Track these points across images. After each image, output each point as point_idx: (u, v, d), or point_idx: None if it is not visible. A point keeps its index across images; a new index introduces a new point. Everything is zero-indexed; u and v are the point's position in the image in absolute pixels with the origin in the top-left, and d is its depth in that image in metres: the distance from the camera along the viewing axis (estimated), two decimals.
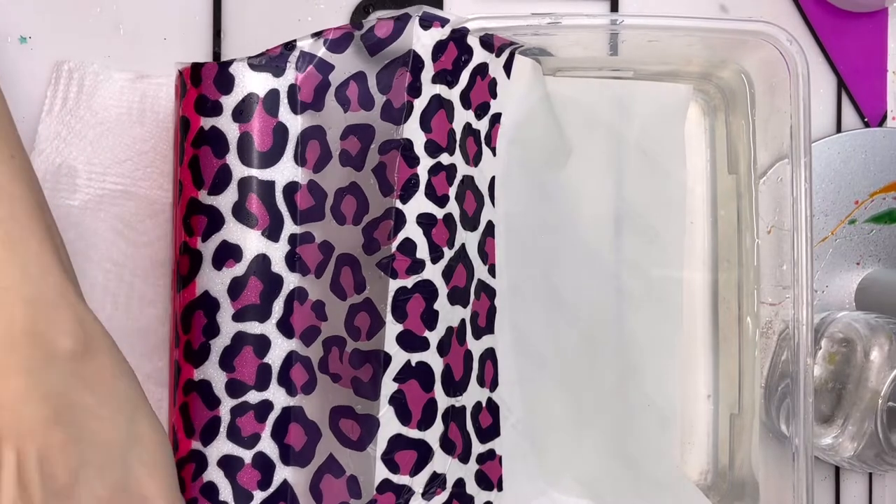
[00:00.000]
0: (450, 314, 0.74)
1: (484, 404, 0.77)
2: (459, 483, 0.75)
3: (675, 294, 0.87)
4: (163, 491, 0.64)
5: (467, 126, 0.76)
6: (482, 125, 0.77)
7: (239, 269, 0.73)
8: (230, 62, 0.72)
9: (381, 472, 0.72)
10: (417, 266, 0.72)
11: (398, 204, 0.72)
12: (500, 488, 0.78)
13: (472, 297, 0.76)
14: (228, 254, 0.72)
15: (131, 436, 0.62)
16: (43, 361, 0.58)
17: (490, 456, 0.78)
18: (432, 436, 0.73)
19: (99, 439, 0.60)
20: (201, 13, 0.84)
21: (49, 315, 0.60)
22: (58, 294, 0.60)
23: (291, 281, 0.74)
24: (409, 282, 0.72)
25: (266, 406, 0.73)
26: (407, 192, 0.72)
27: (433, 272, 0.73)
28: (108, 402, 0.61)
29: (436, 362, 0.73)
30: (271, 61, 0.73)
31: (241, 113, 0.72)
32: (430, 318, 0.73)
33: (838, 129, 0.89)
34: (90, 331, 0.62)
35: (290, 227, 0.74)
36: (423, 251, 0.72)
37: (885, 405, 0.80)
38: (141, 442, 0.63)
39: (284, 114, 0.73)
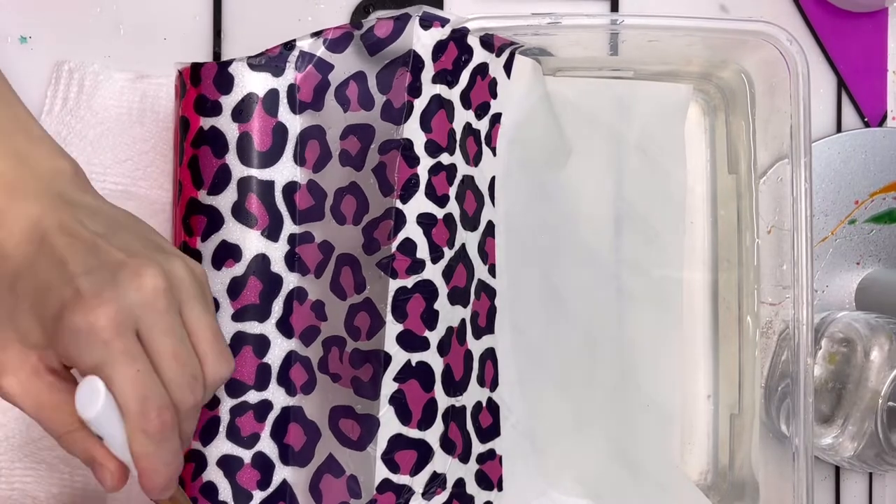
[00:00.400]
0: (450, 314, 0.74)
1: (484, 404, 0.77)
2: (459, 483, 0.75)
3: (675, 294, 0.87)
4: (177, 250, 0.65)
5: (467, 126, 0.76)
6: (482, 125, 0.77)
7: (238, 268, 0.73)
8: (229, 62, 0.72)
9: (382, 472, 0.72)
10: (417, 266, 0.72)
11: (398, 204, 0.72)
12: (500, 488, 0.78)
13: (473, 296, 0.76)
14: (228, 254, 0.72)
15: (137, 219, 0.65)
16: (48, 178, 0.62)
17: (490, 456, 0.78)
18: (432, 435, 0.73)
19: (116, 217, 0.63)
20: (201, 13, 0.84)
21: (41, 145, 0.64)
22: (44, 133, 0.65)
23: (291, 281, 0.74)
24: (410, 282, 0.72)
25: (265, 406, 0.73)
26: (407, 192, 0.72)
27: (433, 272, 0.73)
28: (108, 205, 0.64)
29: (436, 362, 0.73)
30: (271, 61, 0.73)
31: (241, 113, 0.72)
32: (431, 318, 0.73)
33: (838, 129, 0.89)
34: (73, 160, 0.65)
35: (289, 227, 0.74)
36: (423, 251, 0.72)
37: (885, 405, 0.80)
38: (147, 225, 0.65)
39: (284, 113, 0.73)
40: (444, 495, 0.74)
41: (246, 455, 0.73)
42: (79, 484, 0.83)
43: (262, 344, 0.73)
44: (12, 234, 0.59)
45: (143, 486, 0.60)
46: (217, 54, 0.84)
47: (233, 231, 0.72)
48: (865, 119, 0.89)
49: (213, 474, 0.72)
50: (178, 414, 0.59)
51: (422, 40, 0.73)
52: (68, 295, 0.56)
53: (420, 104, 0.73)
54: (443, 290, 0.73)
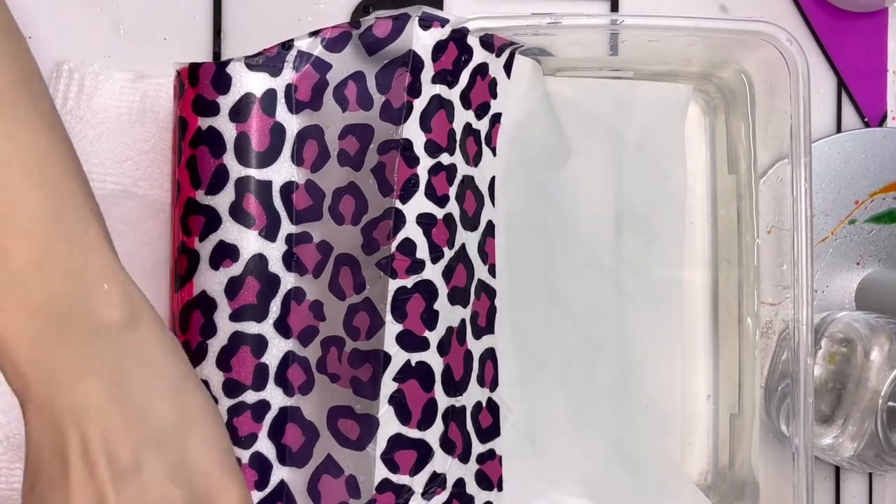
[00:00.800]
0: (450, 314, 0.74)
1: (484, 404, 0.77)
2: (459, 483, 0.75)
3: (675, 294, 0.87)
4: (222, 465, 0.64)
5: (467, 126, 0.76)
6: (482, 125, 0.77)
7: (236, 268, 0.72)
8: (227, 62, 0.72)
9: (381, 472, 0.72)
10: (417, 266, 0.72)
11: (398, 204, 0.72)
12: (500, 488, 0.78)
13: (472, 297, 0.76)
14: (226, 254, 0.72)
15: (185, 413, 0.62)
16: (92, 335, 0.59)
17: (490, 456, 0.78)
18: (432, 435, 0.73)
19: (156, 418, 0.60)
20: (201, 13, 0.84)
21: (96, 287, 0.60)
22: (104, 266, 0.61)
23: (289, 281, 0.74)
24: (409, 282, 0.72)
25: (263, 406, 0.73)
26: (407, 192, 0.72)
27: (433, 272, 0.73)
28: (160, 377, 0.61)
29: (436, 362, 0.73)
30: (268, 61, 0.73)
31: (239, 113, 0.72)
32: (430, 318, 0.73)
33: (838, 129, 0.89)
34: (136, 303, 0.62)
35: (287, 227, 0.74)
36: (422, 251, 0.72)
37: (885, 405, 0.80)
38: (195, 420, 0.63)
39: (281, 113, 0.73)
40: (444, 495, 0.74)
41: (244, 455, 0.72)
42: None
43: (259, 344, 0.73)
44: (43, 423, 0.58)
45: None
46: (217, 54, 0.84)
47: (230, 231, 0.72)
48: (865, 119, 0.89)
49: None
50: None
51: (421, 40, 0.73)
52: None
53: (420, 104, 0.73)
54: (443, 290, 0.73)
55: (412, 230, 0.72)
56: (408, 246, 0.72)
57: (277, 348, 0.73)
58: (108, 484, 0.58)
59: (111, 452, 0.58)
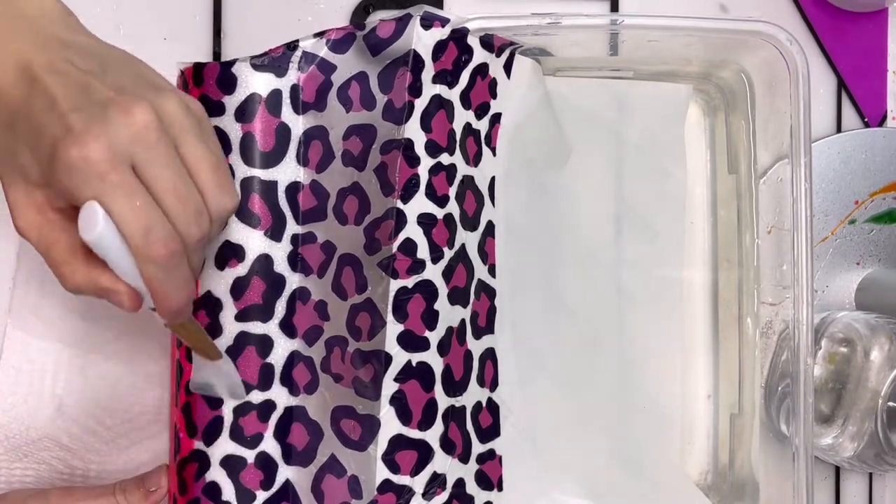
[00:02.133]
0: (450, 314, 0.74)
1: (484, 404, 0.77)
2: (459, 483, 0.75)
3: (674, 294, 0.87)
4: (172, 86, 0.65)
5: (467, 126, 0.76)
6: (482, 125, 0.77)
7: (241, 269, 0.72)
8: (232, 62, 0.72)
9: (382, 473, 0.71)
10: (418, 266, 0.72)
11: (399, 204, 0.72)
12: (500, 488, 0.78)
13: (473, 297, 0.76)
14: (231, 254, 0.72)
15: (133, 59, 0.64)
16: (38, 14, 0.62)
17: (490, 456, 0.78)
18: (432, 436, 0.73)
19: (109, 56, 0.62)
20: (201, 13, 0.84)
21: None
22: None
23: (294, 281, 0.74)
24: (410, 282, 0.72)
25: (269, 406, 0.73)
26: (408, 192, 0.72)
27: (433, 272, 0.73)
28: (102, 44, 0.63)
29: (436, 362, 0.73)
30: (274, 61, 0.73)
31: (244, 113, 0.72)
32: (431, 318, 0.73)
33: (838, 129, 0.89)
34: (64, 4, 0.64)
35: (292, 227, 0.73)
36: (423, 251, 0.72)
37: (885, 405, 0.80)
38: (143, 63, 0.65)
39: (287, 114, 0.73)
40: (444, 495, 0.74)
41: (249, 455, 0.72)
42: (78, 483, 0.83)
43: (265, 344, 0.73)
44: (6, 73, 0.59)
45: (158, 310, 0.61)
46: (217, 54, 0.84)
47: (236, 231, 0.72)
48: (865, 119, 0.89)
49: (217, 474, 0.72)
50: (185, 247, 0.60)
51: (422, 40, 0.73)
52: (59, 131, 0.57)
53: (420, 104, 0.73)
54: (443, 290, 0.73)
55: (413, 230, 0.72)
56: (409, 246, 0.72)
57: (283, 348, 0.73)
58: (86, 76, 0.59)
59: (76, 63, 0.59)
